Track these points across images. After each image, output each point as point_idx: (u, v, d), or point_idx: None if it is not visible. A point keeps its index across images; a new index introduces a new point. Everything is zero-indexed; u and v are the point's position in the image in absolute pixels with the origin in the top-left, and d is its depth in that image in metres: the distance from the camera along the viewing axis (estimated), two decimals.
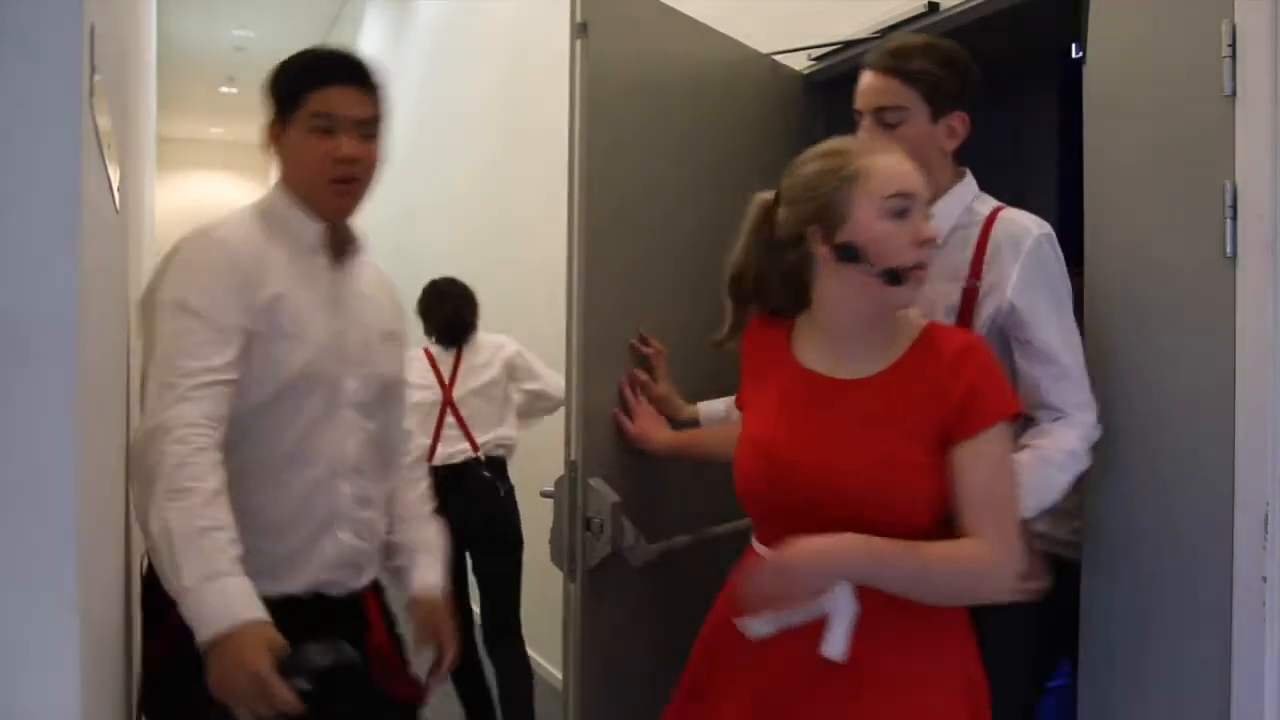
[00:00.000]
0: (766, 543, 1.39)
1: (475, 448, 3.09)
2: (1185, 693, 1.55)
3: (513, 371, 3.25)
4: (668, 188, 2.11)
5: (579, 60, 1.86)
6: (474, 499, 3.02)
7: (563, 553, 1.90)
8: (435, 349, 3.29)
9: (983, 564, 1.28)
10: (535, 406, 3.29)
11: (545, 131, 4.32)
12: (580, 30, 1.86)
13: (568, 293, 1.89)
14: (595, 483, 1.88)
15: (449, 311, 3.30)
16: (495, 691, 3.21)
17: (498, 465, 3.13)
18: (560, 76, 4.18)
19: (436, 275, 3.55)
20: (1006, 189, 2.82)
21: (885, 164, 1.35)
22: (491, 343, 3.32)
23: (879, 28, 2.25)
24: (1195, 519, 1.54)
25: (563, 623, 1.91)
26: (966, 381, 1.32)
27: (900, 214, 1.33)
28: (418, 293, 3.49)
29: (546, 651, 4.23)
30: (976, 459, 1.30)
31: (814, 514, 1.31)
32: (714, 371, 2.18)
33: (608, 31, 1.91)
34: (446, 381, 3.18)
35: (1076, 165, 1.79)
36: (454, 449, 3.08)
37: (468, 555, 3.09)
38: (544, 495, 2.00)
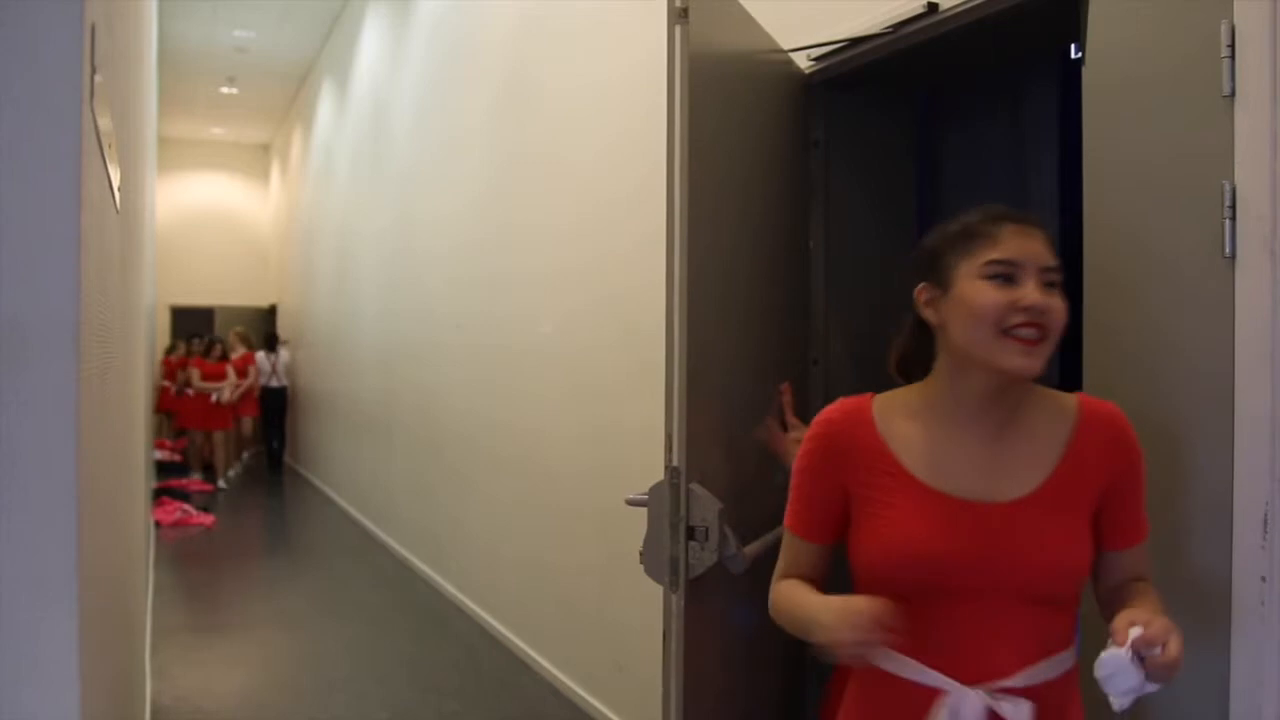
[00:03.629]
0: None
1: (280, 382, 11.17)
2: (1184, 692, 1.55)
3: (289, 365, 11.33)
4: (738, 181, 2.09)
5: (679, 46, 1.80)
6: (278, 397, 11.24)
7: (663, 563, 1.77)
8: (266, 351, 11.18)
9: None
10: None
11: (548, 130, 4.32)
12: (680, 15, 1.80)
13: (667, 295, 1.80)
14: (696, 488, 1.77)
15: (270, 338, 11.45)
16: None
17: (286, 389, 11.28)
18: (561, 75, 4.18)
19: (437, 277, 6.01)
20: (1006, 189, 2.83)
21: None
22: (285, 352, 11.34)
23: (879, 28, 2.25)
24: (1194, 518, 1.54)
25: (663, 635, 1.79)
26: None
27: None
28: (420, 293, 6.07)
29: (544, 648, 4.24)
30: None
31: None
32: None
33: (706, 18, 1.86)
34: (273, 361, 11.10)
35: (1076, 165, 1.79)
36: (273, 384, 11.12)
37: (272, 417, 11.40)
38: (631, 504, 1.88)
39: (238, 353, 10.75)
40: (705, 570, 1.76)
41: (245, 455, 11.58)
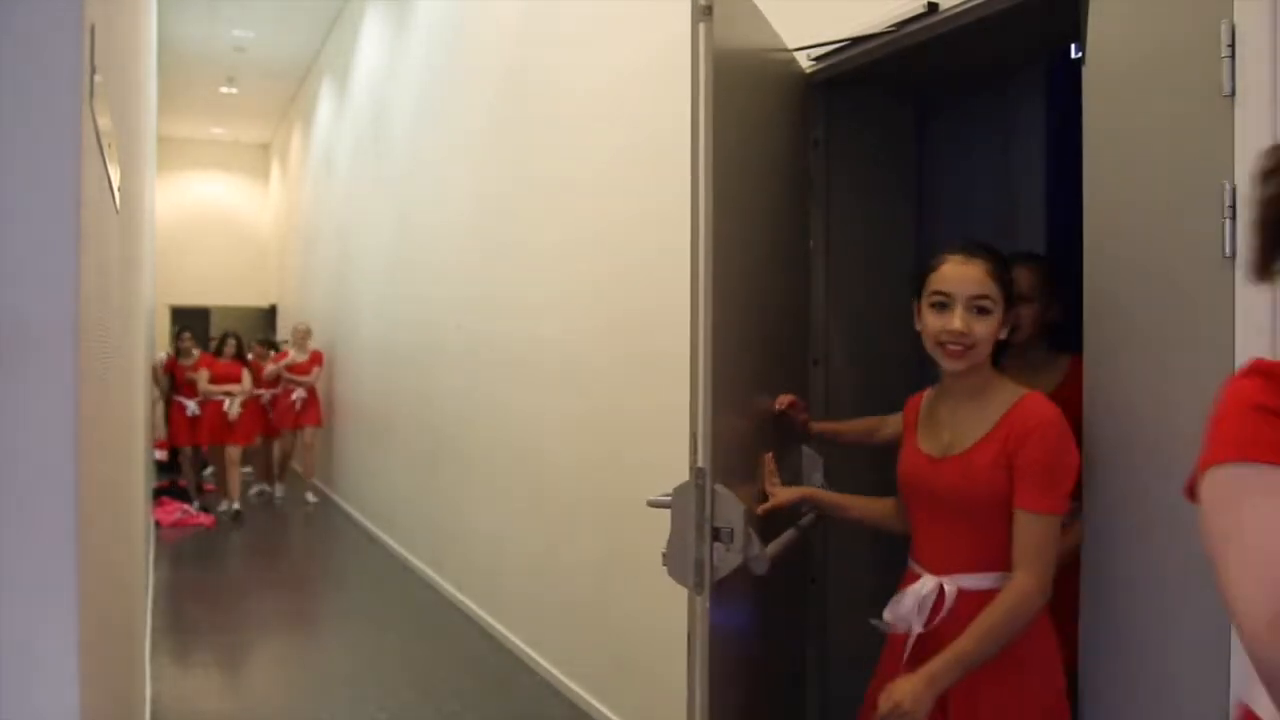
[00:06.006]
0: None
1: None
2: (1185, 691, 1.55)
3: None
4: (755, 180, 2.10)
5: (703, 43, 1.79)
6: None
7: (688, 564, 1.75)
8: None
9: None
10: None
11: (547, 130, 4.32)
12: (704, 13, 1.79)
13: (692, 294, 1.79)
14: (721, 489, 1.75)
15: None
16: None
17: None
18: (560, 75, 4.18)
19: (436, 277, 5.94)
20: (1004, 189, 2.83)
21: None
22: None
23: (879, 28, 2.25)
24: (1195, 517, 1.54)
25: (688, 636, 1.79)
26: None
27: None
28: (420, 292, 6.11)
29: (544, 648, 4.24)
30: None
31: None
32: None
33: (728, 15, 1.87)
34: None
35: (1074, 165, 1.79)
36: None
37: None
38: (654, 505, 1.83)
39: (305, 353, 8.82)
40: (730, 571, 1.74)
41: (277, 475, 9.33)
